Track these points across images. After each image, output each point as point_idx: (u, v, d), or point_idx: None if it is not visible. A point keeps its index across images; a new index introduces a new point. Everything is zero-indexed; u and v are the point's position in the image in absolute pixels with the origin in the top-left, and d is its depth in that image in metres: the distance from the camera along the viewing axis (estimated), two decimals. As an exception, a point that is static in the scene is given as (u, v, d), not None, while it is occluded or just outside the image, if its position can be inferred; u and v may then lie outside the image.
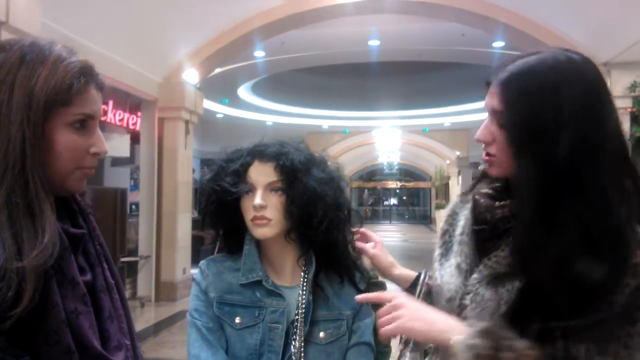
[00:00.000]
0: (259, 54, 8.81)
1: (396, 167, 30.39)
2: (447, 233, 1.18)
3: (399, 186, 34.41)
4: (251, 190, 1.17)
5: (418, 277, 1.29)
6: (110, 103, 6.90)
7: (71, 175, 0.85)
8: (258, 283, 1.17)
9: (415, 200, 36.46)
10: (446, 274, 1.13)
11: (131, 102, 7.29)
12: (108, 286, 0.92)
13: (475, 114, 12.87)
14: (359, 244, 1.22)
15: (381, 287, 1.67)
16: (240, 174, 1.18)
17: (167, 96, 7.16)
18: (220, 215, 1.22)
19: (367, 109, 15.11)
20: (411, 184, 33.71)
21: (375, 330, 1.29)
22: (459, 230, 1.14)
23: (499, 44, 7.84)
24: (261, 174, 1.17)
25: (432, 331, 0.94)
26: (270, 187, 1.16)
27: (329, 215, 1.16)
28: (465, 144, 16.90)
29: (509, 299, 0.98)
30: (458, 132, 16.79)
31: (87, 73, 0.85)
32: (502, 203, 1.04)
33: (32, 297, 0.72)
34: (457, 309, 1.07)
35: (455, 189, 19.83)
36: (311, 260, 1.20)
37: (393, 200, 37.88)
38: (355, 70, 11.47)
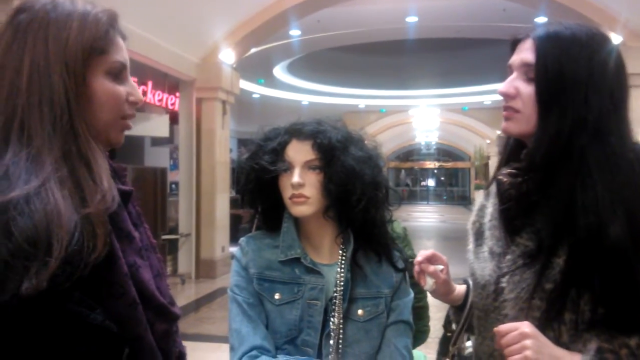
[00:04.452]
0: (295, 32, 8.77)
1: (434, 147, 29.98)
2: (478, 224, 1.17)
3: (436, 166, 33.97)
4: (289, 168, 1.17)
5: (468, 289, 1.26)
6: (150, 83, 7.02)
7: (114, 125, 0.85)
8: (297, 260, 1.18)
9: (454, 181, 35.95)
10: (480, 262, 1.11)
11: (169, 83, 7.40)
12: (152, 245, 0.94)
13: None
14: (431, 268, 1.18)
15: None
16: (278, 153, 1.18)
17: (204, 76, 7.23)
18: (258, 193, 1.22)
19: (404, 88, 14.91)
20: (449, 164, 33.22)
21: (413, 308, 1.28)
22: (487, 218, 1.13)
23: (541, 19, 7.55)
24: (299, 152, 1.17)
25: None
26: (308, 165, 1.17)
27: (367, 193, 1.15)
28: (505, 123, 16.48)
29: (548, 275, 0.96)
30: (498, 111, 16.17)
31: (113, 23, 0.85)
32: (525, 177, 1.02)
33: (105, 243, 0.72)
34: (493, 295, 1.06)
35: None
36: (349, 239, 1.20)
37: (431, 181, 37.46)
38: (392, 48, 11.30)
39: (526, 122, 1.00)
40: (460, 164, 31.93)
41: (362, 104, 16.32)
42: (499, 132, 17.13)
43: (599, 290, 0.92)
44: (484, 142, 20.25)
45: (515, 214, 1.03)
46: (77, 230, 0.68)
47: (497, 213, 1.09)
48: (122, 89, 0.84)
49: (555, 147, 0.96)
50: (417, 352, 2.03)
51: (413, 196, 33.05)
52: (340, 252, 1.20)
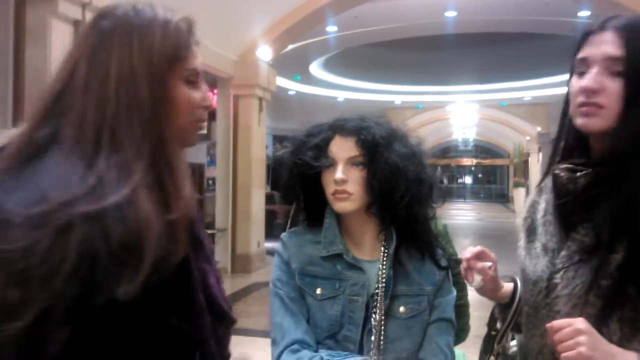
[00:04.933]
0: (331, 29, 8.77)
1: (471, 144, 29.53)
2: (529, 220, 1.14)
3: (474, 163, 33.43)
4: (332, 164, 1.17)
5: (515, 287, 1.24)
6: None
7: (191, 129, 0.87)
8: (338, 256, 1.18)
9: (492, 178, 35.30)
10: (532, 258, 1.09)
11: (208, 80, 7.51)
12: (212, 250, 0.96)
13: (557, 87, 12.18)
14: (479, 265, 1.16)
15: (460, 263, 1.64)
16: (322, 149, 1.18)
17: (241, 74, 7.31)
18: (301, 189, 1.23)
19: (441, 84, 14.71)
20: (487, 161, 32.65)
21: (456, 307, 1.27)
22: (540, 213, 1.11)
23: (584, 13, 7.33)
24: (342, 148, 1.17)
25: None
26: (351, 162, 1.16)
27: (411, 190, 1.14)
28: (545, 119, 16.07)
29: (605, 271, 0.94)
30: (538, 107, 15.99)
31: (191, 30, 0.87)
32: (584, 172, 1.00)
33: (185, 248, 0.75)
34: (544, 291, 1.04)
35: (535, 166, 18.99)
36: (392, 235, 1.19)
37: (468, 178, 36.88)
38: (429, 43, 11.15)
39: (608, 118, 0.97)
40: (498, 161, 31.33)
41: (398, 100, 16.18)
42: (539, 128, 16.76)
43: None
44: (523, 138, 19.80)
45: (572, 209, 1.01)
46: (163, 236, 0.70)
47: (551, 208, 1.07)
48: (197, 95, 0.86)
49: (636, 141, 0.93)
50: (456, 351, 2.01)
51: (450, 194, 32.63)
52: (382, 248, 1.20)
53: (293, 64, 10.91)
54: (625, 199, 0.94)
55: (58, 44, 4.10)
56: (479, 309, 1.88)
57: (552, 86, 13.08)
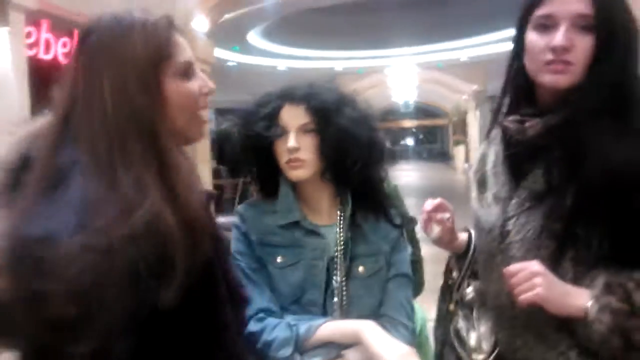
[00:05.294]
0: (268, -5, 8.59)
1: (412, 106, 29.99)
2: (479, 173, 1.19)
3: (415, 125, 34.07)
4: (284, 133, 1.18)
5: (470, 237, 1.30)
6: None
7: (192, 122, 0.89)
8: (296, 224, 1.21)
9: (432, 138, 36.18)
10: (484, 208, 1.15)
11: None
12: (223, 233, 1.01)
13: (493, 44, 12.50)
14: (439, 216, 1.21)
15: (414, 222, 1.71)
16: (272, 118, 1.19)
17: (178, 46, 7.07)
18: (254, 161, 1.24)
19: (380, 47, 14.78)
20: (428, 122, 33.35)
21: (411, 263, 1.33)
22: (490, 165, 1.16)
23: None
24: (292, 116, 1.18)
25: (566, 301, 0.98)
26: (302, 129, 1.18)
27: (363, 154, 1.17)
28: (482, 78, 16.49)
29: (555, 215, 1.00)
30: (475, 66, 16.35)
31: (171, 26, 0.89)
32: (532, 122, 1.05)
33: (207, 246, 0.79)
34: (498, 238, 1.10)
35: (473, 123, 19.56)
36: (347, 199, 1.23)
37: (410, 140, 37.62)
38: (367, 6, 11.16)
39: (577, 74, 1.01)
40: (438, 122, 32.07)
41: (339, 66, 16.16)
42: (475, 86, 17.20)
43: (609, 227, 0.97)
44: (461, 97, 20.31)
45: (521, 158, 1.06)
46: (188, 242, 0.75)
47: (501, 159, 1.12)
48: (194, 85, 0.89)
49: (603, 97, 0.98)
50: (416, 307, 2.12)
51: (393, 156, 33.23)
52: (339, 212, 1.23)
53: (231, 34, 10.64)
54: (576, 147, 0.99)
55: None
56: (430, 264, 1.97)
57: (487, 44, 13.40)
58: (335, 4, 9.88)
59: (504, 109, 1.15)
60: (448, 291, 1.33)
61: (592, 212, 0.98)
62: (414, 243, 1.96)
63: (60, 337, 0.68)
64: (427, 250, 1.38)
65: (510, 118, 1.10)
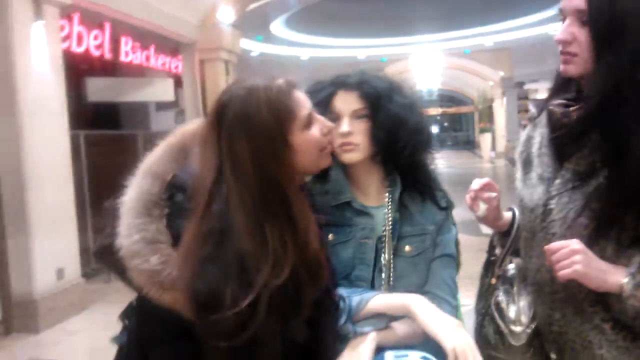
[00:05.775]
0: (292, -15, 8.60)
1: (436, 93, 29.67)
2: (525, 154, 1.24)
3: (440, 112, 33.73)
4: (337, 119, 1.23)
5: (514, 216, 1.34)
6: (152, 48, 6.97)
7: (321, 158, 1.05)
8: (347, 204, 1.26)
9: (458, 126, 35.79)
10: (529, 188, 1.19)
11: (171, 46, 7.35)
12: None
13: (519, 30, 12.31)
14: (486, 195, 1.26)
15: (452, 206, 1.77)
16: (326, 105, 1.24)
17: (204, 38, 7.18)
18: None
19: (404, 34, 14.66)
20: (453, 109, 32.98)
21: (455, 243, 1.37)
22: (536, 147, 1.20)
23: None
24: (346, 102, 1.24)
25: (603, 277, 1.03)
26: (355, 115, 1.23)
27: (413, 138, 1.23)
28: (508, 64, 16.28)
29: (596, 195, 1.05)
30: (500, 52, 16.13)
31: (291, 87, 1.01)
32: (576, 106, 1.09)
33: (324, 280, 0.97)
34: (541, 216, 1.14)
35: (500, 111, 19.30)
36: (395, 181, 1.28)
37: (434, 127, 37.27)
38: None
39: (584, 63, 1.07)
40: (463, 109, 31.66)
41: (362, 54, 16.09)
42: (502, 73, 16.95)
43: None
44: (487, 84, 20.04)
45: (566, 141, 1.11)
46: (310, 281, 0.94)
47: (546, 141, 1.16)
48: (316, 131, 1.02)
49: (609, 83, 1.02)
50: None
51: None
52: (387, 194, 1.28)
53: (255, 24, 10.70)
54: (616, 132, 1.03)
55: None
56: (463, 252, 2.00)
57: (513, 29, 13.20)
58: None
59: (548, 95, 1.20)
60: (491, 267, 1.38)
61: (630, 196, 1.02)
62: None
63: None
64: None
65: (556, 102, 1.14)
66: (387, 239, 1.24)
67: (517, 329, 1.23)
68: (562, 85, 1.17)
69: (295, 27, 12.72)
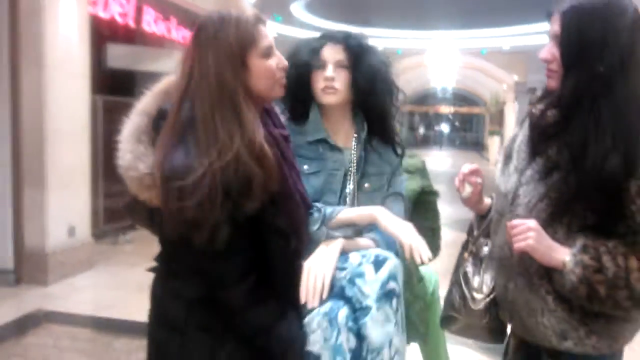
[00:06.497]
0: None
1: (450, 92, 29.65)
2: (508, 148, 1.44)
3: (452, 111, 33.66)
4: (324, 66, 1.47)
5: (492, 202, 1.54)
6: (174, 20, 7.13)
7: (273, 86, 1.22)
8: (322, 141, 1.49)
9: (468, 126, 35.73)
10: (505, 176, 1.40)
11: (192, 20, 7.48)
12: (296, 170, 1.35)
13: (536, 35, 12.33)
14: (473, 179, 1.48)
15: (437, 195, 2.14)
16: (316, 53, 1.48)
17: (225, 14, 7.27)
18: (294, 88, 1.46)
19: (422, 28, 14.69)
20: (464, 109, 32.93)
21: (430, 229, 1.54)
22: (517, 142, 1.41)
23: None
24: (332, 52, 1.47)
25: (550, 254, 1.24)
26: (339, 64, 1.46)
27: (386, 90, 1.48)
28: (523, 69, 16.28)
29: (556, 187, 1.26)
30: (516, 56, 16.12)
31: (257, 19, 1.20)
32: (553, 111, 1.30)
33: (276, 170, 1.13)
34: (510, 201, 1.35)
35: (511, 115, 19.34)
36: (363, 126, 1.52)
37: (445, 126, 37.21)
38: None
39: (560, 79, 1.29)
40: (475, 110, 31.64)
41: (379, 44, 16.09)
42: (516, 77, 16.95)
43: (594, 203, 1.21)
44: (501, 87, 20.04)
45: (540, 139, 1.32)
46: (260, 170, 1.10)
47: (525, 138, 1.37)
48: (272, 62, 1.20)
49: (573, 96, 1.23)
50: (431, 273, 2.36)
51: (426, 141, 32.97)
52: (355, 136, 1.52)
53: (275, 4, 10.80)
54: (576, 138, 1.23)
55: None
56: (450, 248, 2.17)
57: (531, 34, 13.21)
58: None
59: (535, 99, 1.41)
60: (467, 245, 1.59)
61: (582, 190, 1.22)
62: (435, 213, 2.23)
63: (189, 229, 1.06)
64: (449, 236, 1.61)
65: (538, 107, 1.35)
66: (352, 173, 1.49)
67: (478, 296, 1.45)
68: (547, 94, 1.37)
69: (314, 11, 12.80)
